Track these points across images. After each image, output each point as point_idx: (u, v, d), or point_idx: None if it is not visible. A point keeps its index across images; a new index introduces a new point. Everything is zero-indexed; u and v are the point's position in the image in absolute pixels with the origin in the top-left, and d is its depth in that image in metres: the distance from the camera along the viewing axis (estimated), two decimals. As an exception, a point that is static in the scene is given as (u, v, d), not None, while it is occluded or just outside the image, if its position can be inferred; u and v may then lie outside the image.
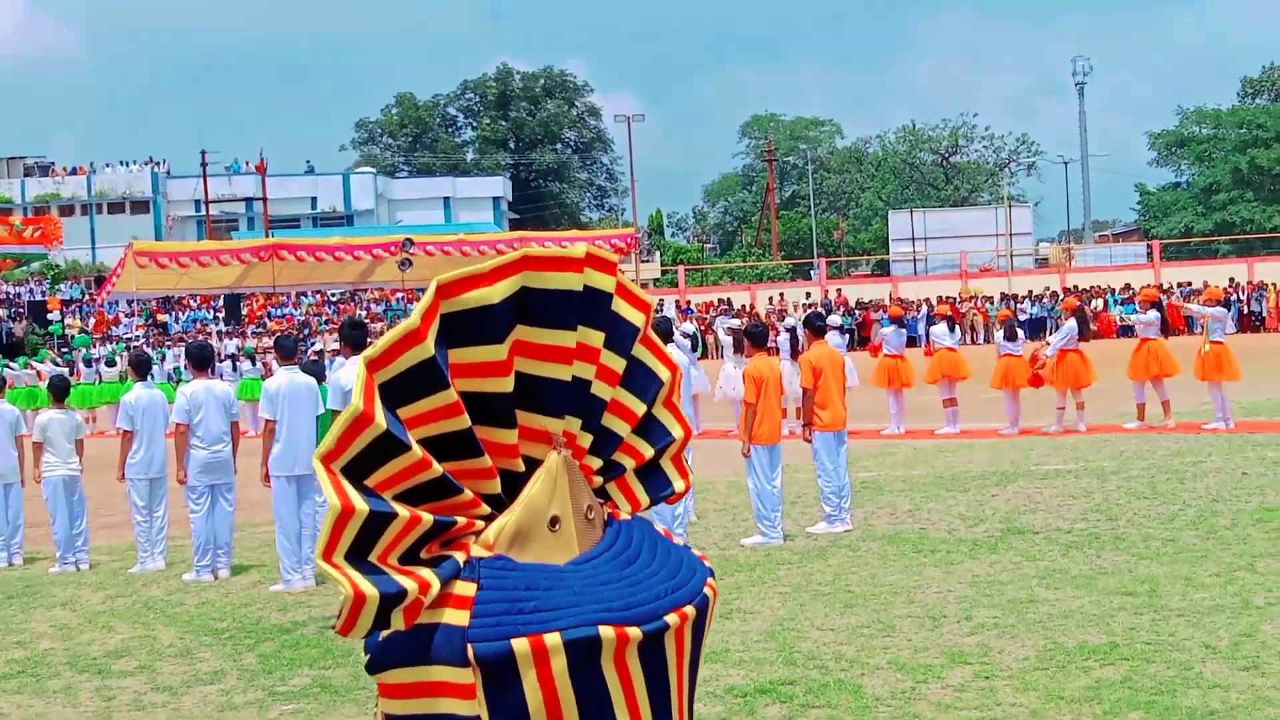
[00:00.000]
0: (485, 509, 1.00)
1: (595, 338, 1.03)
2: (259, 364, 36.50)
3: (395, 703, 0.96)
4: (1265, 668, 8.30)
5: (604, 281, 1.06)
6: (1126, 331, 39.09)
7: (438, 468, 1.03)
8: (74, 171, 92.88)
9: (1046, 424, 22.49)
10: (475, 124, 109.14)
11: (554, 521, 1.02)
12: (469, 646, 1.00)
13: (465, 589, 0.99)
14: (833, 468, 14.10)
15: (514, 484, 1.05)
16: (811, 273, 74.44)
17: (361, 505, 1.01)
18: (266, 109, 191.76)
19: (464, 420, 0.99)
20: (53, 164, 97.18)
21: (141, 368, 15.05)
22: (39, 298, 62.32)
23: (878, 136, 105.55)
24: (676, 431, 1.08)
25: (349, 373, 12.43)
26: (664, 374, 1.07)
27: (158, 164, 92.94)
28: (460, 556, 0.99)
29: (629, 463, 1.08)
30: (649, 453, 1.10)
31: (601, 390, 1.07)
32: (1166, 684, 8.09)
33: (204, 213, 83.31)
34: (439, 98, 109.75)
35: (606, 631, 1.05)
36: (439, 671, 0.99)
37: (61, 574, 14.19)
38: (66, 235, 69.77)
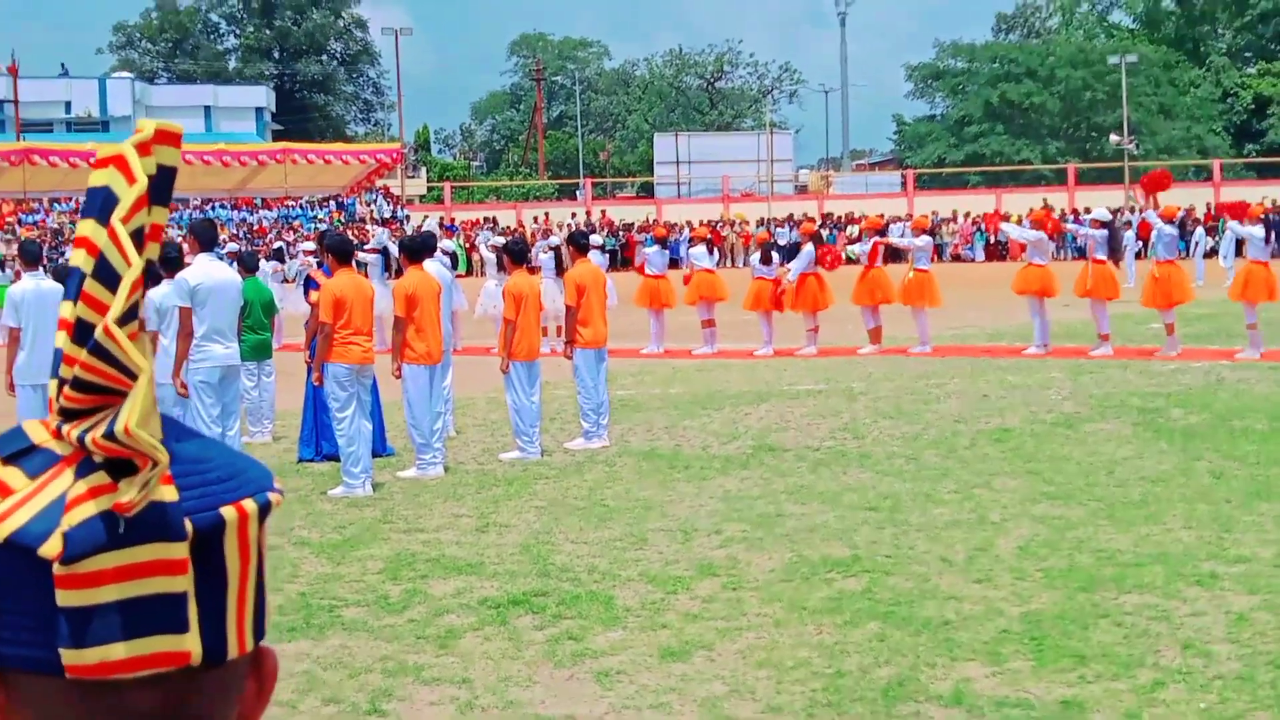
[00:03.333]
0: None
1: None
2: (9, 271, 35.23)
3: (94, 591, 0.94)
4: (998, 580, 8.67)
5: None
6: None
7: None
8: None
9: (800, 346, 23.01)
10: (239, 31, 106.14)
11: (155, 401, 1.03)
12: (186, 519, 1.01)
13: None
14: (592, 385, 14.23)
15: None
16: (577, 193, 74.42)
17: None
18: (18, 7, 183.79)
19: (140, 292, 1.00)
20: None
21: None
22: None
23: (645, 59, 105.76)
24: None
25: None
26: None
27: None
28: None
29: None
30: None
31: None
32: (904, 595, 8.40)
33: (-52, 114, 79.72)
34: (201, 3, 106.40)
35: (274, 496, 1.08)
36: (158, 550, 0.98)
37: None
38: None
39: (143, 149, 1.09)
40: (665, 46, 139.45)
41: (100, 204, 1.08)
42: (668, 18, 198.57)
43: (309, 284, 15.52)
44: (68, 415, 1.08)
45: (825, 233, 39.62)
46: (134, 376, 1.05)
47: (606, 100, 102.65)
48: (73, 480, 1.07)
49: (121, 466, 1.06)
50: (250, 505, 1.12)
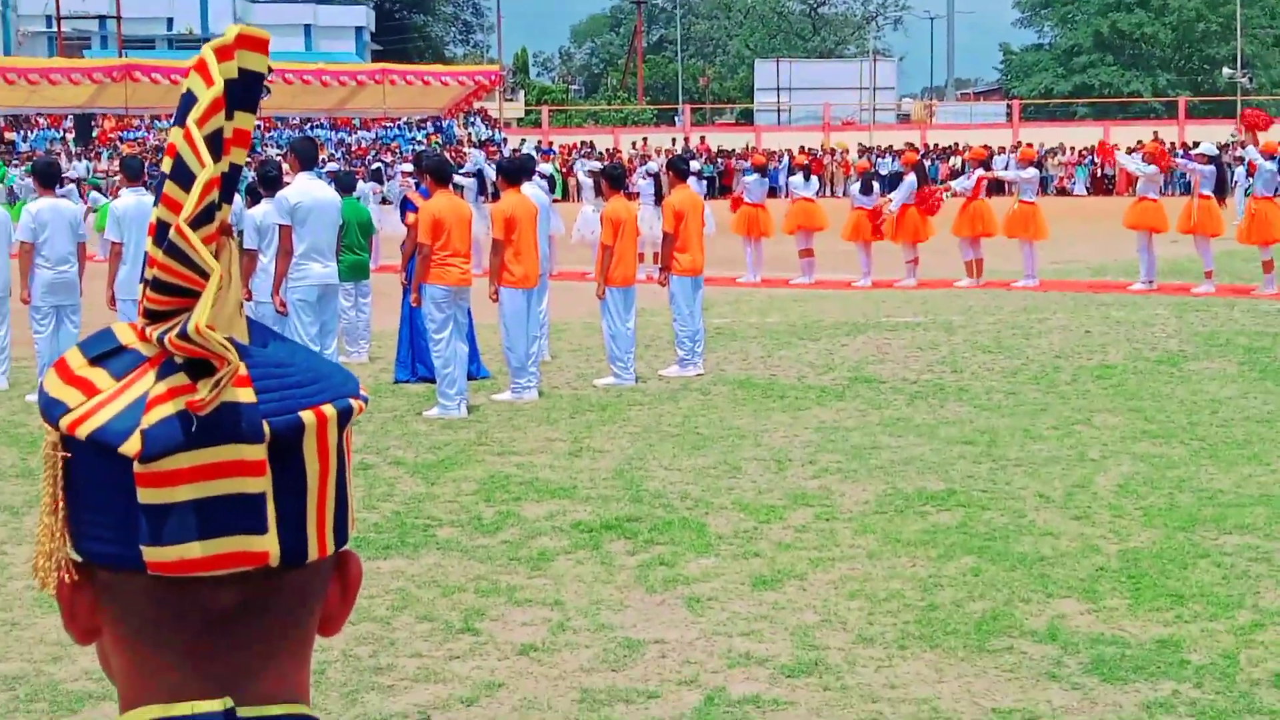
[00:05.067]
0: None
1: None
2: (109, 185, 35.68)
3: (173, 490, 0.96)
4: (1095, 518, 8.57)
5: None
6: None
7: (214, 244, 1.04)
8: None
9: (900, 277, 22.82)
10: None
11: (241, 305, 1.03)
12: (264, 422, 1.02)
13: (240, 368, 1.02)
14: (688, 312, 14.19)
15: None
16: (676, 119, 74.14)
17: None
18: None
19: (216, 195, 0.99)
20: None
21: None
22: (-123, 109, 60.06)
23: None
24: None
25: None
26: None
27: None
28: None
29: None
30: None
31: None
32: (1000, 530, 8.33)
33: (55, 29, 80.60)
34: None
35: (355, 402, 1.09)
36: (236, 450, 1.00)
37: (-101, 392, 13.88)
38: (-92, 46, 67.09)
39: (224, 53, 1.10)
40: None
41: (183, 108, 1.09)
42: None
43: (406, 205, 15.56)
44: (151, 317, 1.09)
45: (928, 163, 39.16)
46: (207, 277, 1.06)
47: (707, 25, 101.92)
48: (154, 381, 1.09)
49: (201, 367, 1.07)
50: (330, 410, 1.13)
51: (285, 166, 12.99)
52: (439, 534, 8.50)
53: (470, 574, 7.70)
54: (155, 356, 1.10)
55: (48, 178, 13.68)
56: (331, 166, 31.86)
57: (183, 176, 1.07)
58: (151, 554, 1.08)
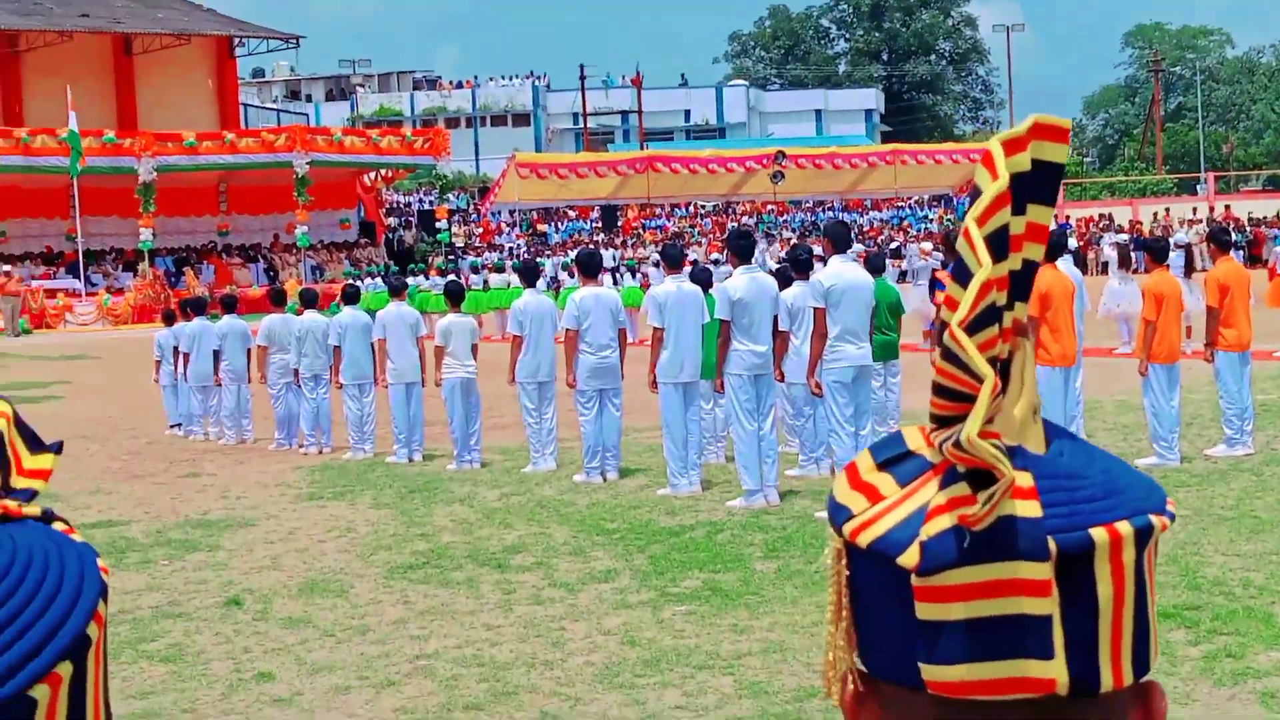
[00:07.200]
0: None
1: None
2: (638, 276, 37.18)
3: (949, 606, 0.91)
4: None
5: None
6: None
7: (1004, 345, 0.97)
8: (459, 85, 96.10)
9: None
10: (848, 35, 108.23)
11: (1036, 410, 0.95)
12: (1049, 539, 0.96)
13: (1024, 479, 0.95)
14: (1236, 389, 13.50)
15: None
16: (1198, 187, 71.36)
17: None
18: (642, 22, 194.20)
19: (1004, 295, 0.93)
20: (439, 78, 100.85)
21: (530, 275, 15.48)
22: (427, 207, 64.95)
23: (1271, 46, 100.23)
24: None
25: (735, 282, 12.50)
26: None
27: (538, 78, 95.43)
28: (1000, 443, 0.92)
29: None
30: None
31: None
32: None
33: (581, 125, 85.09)
34: (812, 9, 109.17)
35: (1157, 519, 1.00)
36: (1016, 568, 0.94)
37: (459, 471, 14.75)
38: (452, 147, 72.19)
39: (1012, 146, 1.06)
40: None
41: (969, 203, 1.05)
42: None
43: (935, 285, 15.49)
44: (938, 422, 1.06)
45: None
46: (982, 382, 1.01)
47: (1229, 90, 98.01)
48: (936, 490, 1.05)
49: (984, 478, 1.02)
50: (1125, 528, 1.06)
51: (817, 249, 13.13)
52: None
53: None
54: (940, 464, 1.06)
55: (590, 268, 14.32)
56: (858, 247, 32.25)
57: (963, 276, 1.04)
58: (928, 672, 1.04)
